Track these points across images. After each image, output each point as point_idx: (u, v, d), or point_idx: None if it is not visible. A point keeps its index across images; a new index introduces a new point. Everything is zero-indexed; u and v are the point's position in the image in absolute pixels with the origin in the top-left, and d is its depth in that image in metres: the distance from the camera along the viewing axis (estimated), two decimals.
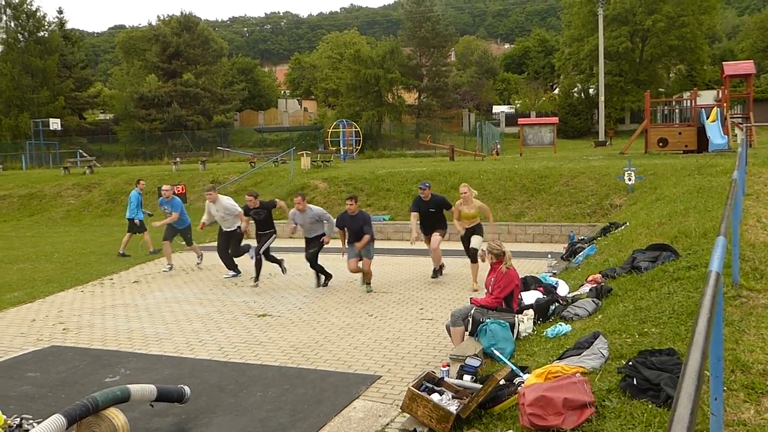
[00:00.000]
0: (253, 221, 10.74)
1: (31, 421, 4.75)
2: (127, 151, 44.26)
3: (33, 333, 8.08)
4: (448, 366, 5.08)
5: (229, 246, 11.16)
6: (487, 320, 5.65)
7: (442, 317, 7.67)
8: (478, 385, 4.48)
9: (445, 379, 4.74)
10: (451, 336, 6.14)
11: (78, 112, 52.42)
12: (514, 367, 4.69)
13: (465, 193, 9.65)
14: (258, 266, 10.41)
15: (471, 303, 6.15)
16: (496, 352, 5.23)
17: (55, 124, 40.79)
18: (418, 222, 10.08)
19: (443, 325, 6.72)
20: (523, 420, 3.71)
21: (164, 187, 12.58)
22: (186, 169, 26.81)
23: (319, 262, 10.11)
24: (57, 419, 4.12)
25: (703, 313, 1.64)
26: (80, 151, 35.46)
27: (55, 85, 47.41)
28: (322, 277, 10.15)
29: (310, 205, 9.93)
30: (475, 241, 9.60)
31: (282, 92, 72.37)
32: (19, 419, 4.82)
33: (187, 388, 5.38)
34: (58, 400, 5.60)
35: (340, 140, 33.30)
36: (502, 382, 4.43)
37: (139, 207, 13.95)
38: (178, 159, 28.38)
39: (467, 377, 4.81)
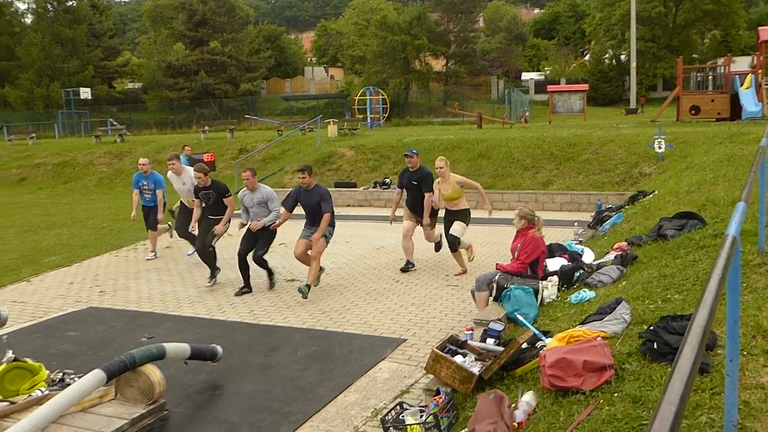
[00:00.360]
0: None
1: (72, 376, 5.01)
2: (156, 120, 44.70)
3: (71, 295, 8.39)
4: (472, 330, 5.19)
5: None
6: (511, 286, 5.74)
7: (467, 284, 7.76)
8: (501, 348, 4.58)
9: (469, 342, 4.85)
10: (475, 301, 6.24)
11: (107, 81, 52.93)
12: (537, 332, 4.78)
13: (441, 168, 8.15)
14: (212, 261, 8.57)
15: (496, 268, 6.23)
16: (520, 317, 5.32)
17: (85, 93, 41.28)
18: (403, 200, 8.85)
19: (468, 291, 6.82)
20: (543, 381, 3.81)
21: (141, 160, 10.44)
22: (214, 137, 27.06)
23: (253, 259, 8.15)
24: (97, 374, 4.34)
25: (716, 273, 1.70)
26: (110, 120, 35.99)
27: (84, 55, 47.83)
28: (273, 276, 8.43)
29: (261, 185, 8.20)
30: (456, 227, 8.22)
31: (308, 60, 72.08)
32: (61, 374, 5.08)
33: (219, 348, 5.60)
34: (97, 357, 5.87)
35: (367, 108, 33.21)
36: (524, 345, 4.53)
37: None
38: (206, 127, 28.62)
39: (490, 341, 4.91)
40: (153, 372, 4.72)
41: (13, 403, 4.59)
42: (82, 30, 47.80)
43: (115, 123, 34.38)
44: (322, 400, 4.90)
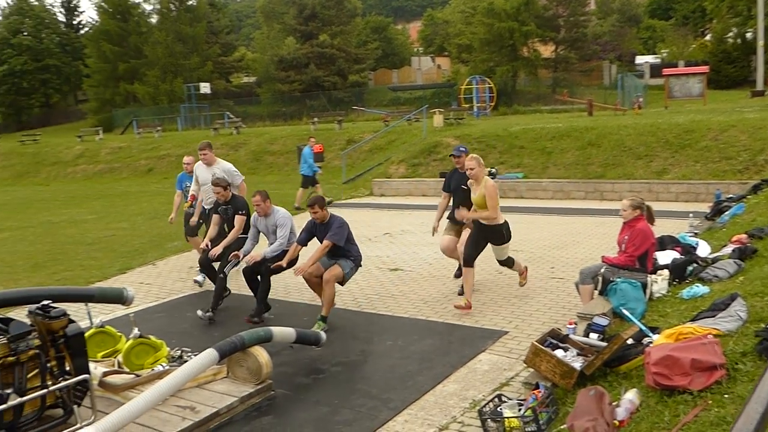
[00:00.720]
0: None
1: (189, 354, 5.38)
2: (269, 112, 46.41)
3: (190, 278, 8.96)
4: (575, 324, 5.07)
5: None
6: (618, 279, 5.55)
7: (573, 277, 7.54)
8: (604, 344, 4.46)
9: (571, 336, 4.76)
10: (580, 294, 6.09)
11: (224, 75, 55.51)
12: (644, 327, 4.61)
13: (472, 169, 6.84)
14: (220, 287, 7.35)
15: (602, 261, 6.03)
16: (626, 312, 5.14)
17: (205, 87, 43.51)
18: (450, 205, 7.65)
19: (573, 284, 6.66)
20: (648, 379, 3.68)
21: (186, 159, 9.51)
22: (323, 128, 27.78)
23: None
24: (211, 353, 4.64)
25: None
26: (227, 113, 37.74)
27: (203, 51, 50.39)
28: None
29: (277, 208, 7.23)
30: (499, 253, 7.01)
31: (415, 50, 72.11)
32: (179, 351, 5.48)
33: (322, 333, 5.82)
34: (212, 337, 6.24)
35: (473, 97, 32.87)
36: (629, 341, 4.38)
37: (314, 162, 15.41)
38: (315, 119, 29.49)
39: (594, 335, 4.79)
40: (261, 354, 4.98)
41: (138, 375, 5.01)
42: (202, 27, 50.39)
43: (232, 116, 36.04)
44: (421, 389, 4.97)
